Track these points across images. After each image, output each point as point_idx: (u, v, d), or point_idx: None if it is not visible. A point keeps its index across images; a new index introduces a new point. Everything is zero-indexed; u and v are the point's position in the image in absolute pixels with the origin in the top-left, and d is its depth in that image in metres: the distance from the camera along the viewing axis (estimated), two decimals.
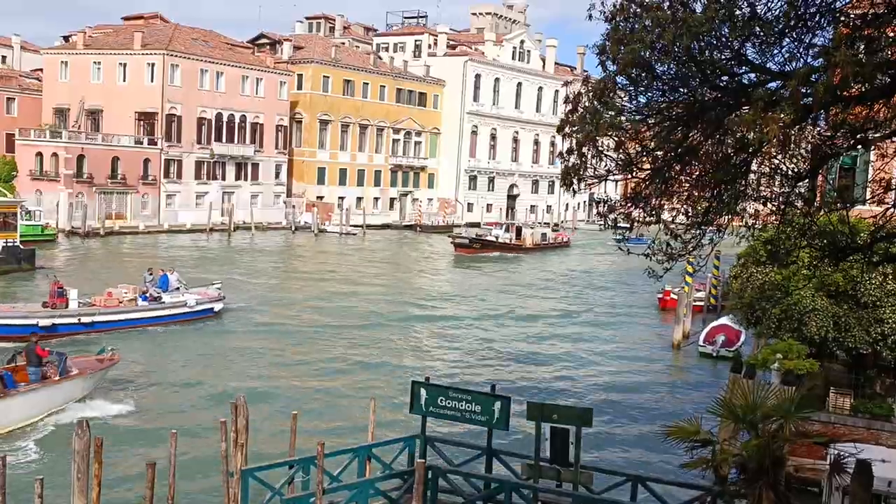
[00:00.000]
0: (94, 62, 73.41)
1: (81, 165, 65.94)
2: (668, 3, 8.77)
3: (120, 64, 72.15)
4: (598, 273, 58.89)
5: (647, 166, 10.08)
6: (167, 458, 13.90)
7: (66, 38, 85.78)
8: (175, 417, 21.47)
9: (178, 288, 33.90)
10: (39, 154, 66.37)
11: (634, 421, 23.77)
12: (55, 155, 65.56)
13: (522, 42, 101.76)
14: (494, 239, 69.29)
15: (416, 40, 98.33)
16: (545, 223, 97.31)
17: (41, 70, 79.96)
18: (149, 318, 31.77)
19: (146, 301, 31.95)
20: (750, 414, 11.95)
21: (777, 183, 10.07)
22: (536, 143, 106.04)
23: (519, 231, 72.11)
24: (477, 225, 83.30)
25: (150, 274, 33.63)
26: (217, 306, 34.39)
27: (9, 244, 42.55)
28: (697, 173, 10.02)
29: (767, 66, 8.94)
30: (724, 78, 9.04)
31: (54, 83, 75.34)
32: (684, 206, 10.41)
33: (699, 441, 12.48)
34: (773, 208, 10.13)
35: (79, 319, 29.83)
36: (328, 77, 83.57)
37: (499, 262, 62.24)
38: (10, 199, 48.73)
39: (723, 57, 8.84)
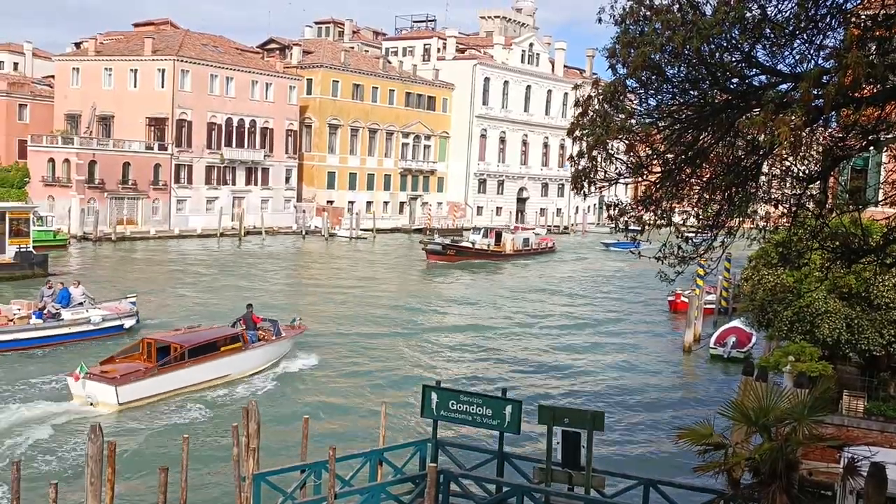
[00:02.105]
0: (106, 68, 73.85)
1: (93, 171, 66.32)
2: (677, 6, 8.77)
3: (131, 70, 72.58)
4: (597, 278, 57.65)
5: (657, 169, 10.07)
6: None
7: (77, 45, 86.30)
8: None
9: (81, 303, 30.28)
10: (51, 160, 66.79)
11: (646, 424, 23.69)
12: (67, 161, 65.98)
13: (531, 45, 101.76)
14: (471, 245, 64.79)
15: (424, 44, 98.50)
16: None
17: (53, 77, 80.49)
18: (42, 338, 28.19)
19: (41, 319, 28.46)
20: (763, 417, 11.90)
21: (788, 185, 10.05)
22: (546, 146, 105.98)
23: (498, 236, 66.90)
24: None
25: (50, 288, 30.45)
26: (128, 322, 31.03)
27: (22, 250, 42.82)
28: (708, 176, 10.01)
29: (778, 67, 8.92)
30: (735, 80, 9.02)
31: (66, 89, 75.82)
32: (695, 208, 10.39)
33: (711, 444, 12.44)
34: (785, 210, 10.11)
35: None
36: (337, 81, 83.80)
37: (476, 270, 58.62)
38: (23, 206, 49.13)
39: (733, 59, 8.82)
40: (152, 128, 71.96)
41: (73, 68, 75.82)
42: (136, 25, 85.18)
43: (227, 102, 74.86)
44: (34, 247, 44.56)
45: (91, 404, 22.00)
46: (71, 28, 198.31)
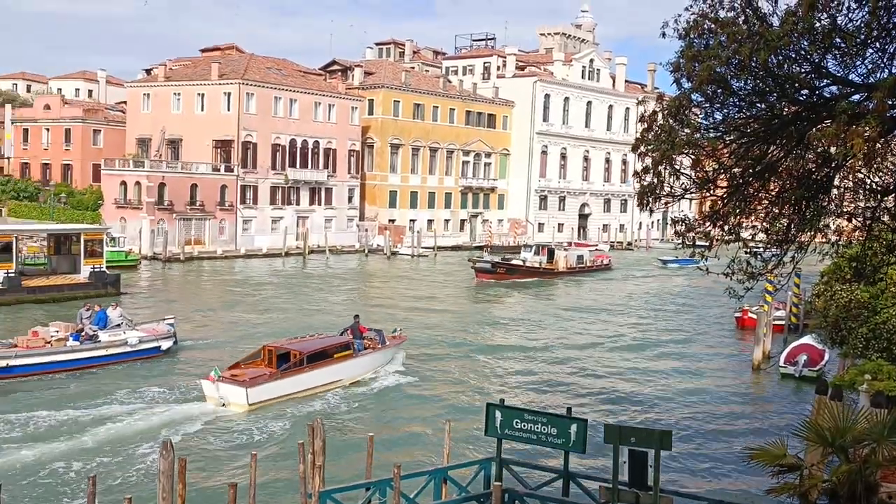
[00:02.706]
0: (174, 93, 76.10)
1: (162, 193, 68.27)
2: (743, 18, 8.64)
3: (198, 94, 74.61)
4: (657, 295, 56.26)
5: (724, 184, 9.91)
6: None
7: (148, 72, 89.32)
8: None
9: (118, 325, 30.17)
10: (123, 183, 69.02)
11: (715, 444, 23.14)
12: (138, 183, 68.08)
13: (591, 61, 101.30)
14: (522, 262, 63.60)
15: (484, 62, 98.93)
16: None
17: (125, 102, 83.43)
18: (79, 360, 28.29)
19: (78, 341, 28.47)
20: (840, 438, 11.51)
21: (862, 197, 9.79)
22: (608, 161, 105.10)
23: (551, 253, 65.64)
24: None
25: (88, 310, 30.22)
26: (165, 344, 30.85)
27: (96, 270, 44.34)
28: (777, 190, 9.81)
29: (850, 78, 8.70)
30: (804, 92, 8.83)
31: (137, 114, 78.40)
32: (764, 223, 10.18)
33: (785, 465, 12.08)
34: (859, 224, 9.84)
35: None
36: (398, 101, 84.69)
37: (528, 288, 57.51)
38: (97, 227, 50.86)
39: (802, 70, 8.64)
40: (219, 150, 73.79)
41: (144, 94, 78.36)
42: (204, 51, 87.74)
43: (290, 124, 76.31)
44: (107, 266, 46.08)
45: (223, 405, 24.00)
46: (142, 55, 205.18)
